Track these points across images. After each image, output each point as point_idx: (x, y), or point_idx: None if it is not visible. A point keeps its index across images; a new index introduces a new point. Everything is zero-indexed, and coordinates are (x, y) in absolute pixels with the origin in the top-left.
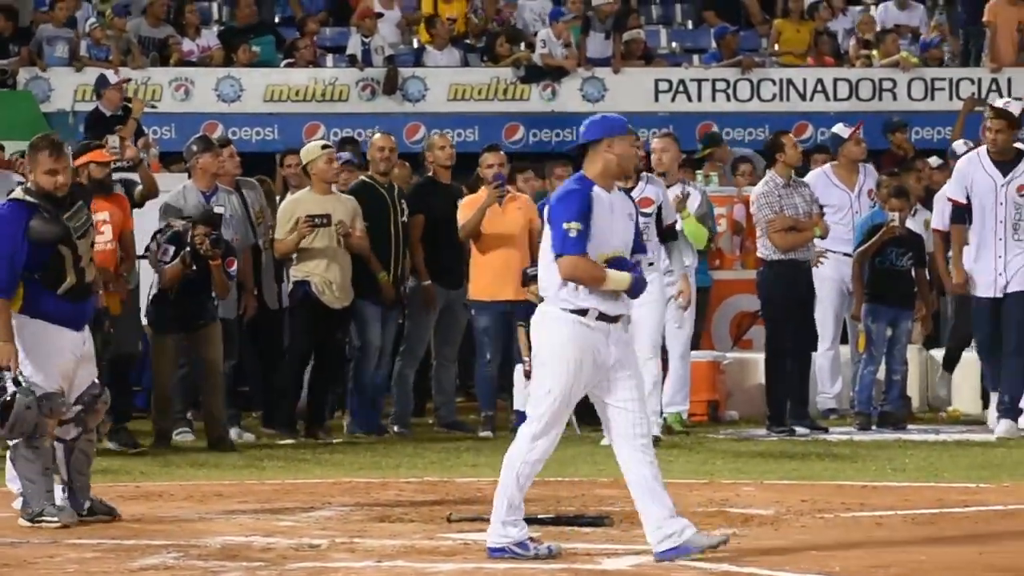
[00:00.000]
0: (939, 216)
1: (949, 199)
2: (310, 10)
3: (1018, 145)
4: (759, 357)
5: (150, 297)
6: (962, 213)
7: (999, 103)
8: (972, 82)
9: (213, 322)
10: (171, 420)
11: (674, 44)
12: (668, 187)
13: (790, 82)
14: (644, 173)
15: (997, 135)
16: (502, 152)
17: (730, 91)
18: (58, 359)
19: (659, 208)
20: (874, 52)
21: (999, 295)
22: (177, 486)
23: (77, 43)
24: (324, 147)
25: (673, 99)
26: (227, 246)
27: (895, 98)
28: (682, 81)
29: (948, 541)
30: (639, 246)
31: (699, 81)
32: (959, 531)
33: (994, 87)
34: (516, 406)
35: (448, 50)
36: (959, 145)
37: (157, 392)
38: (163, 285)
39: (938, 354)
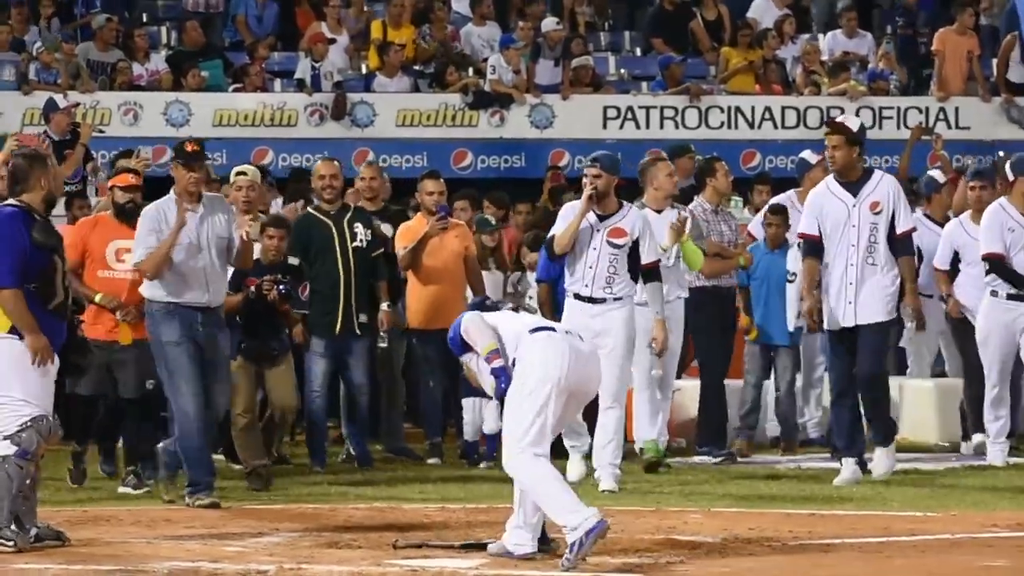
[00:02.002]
0: (940, 255)
1: (799, 234)
2: (259, 35)
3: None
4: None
5: None
6: (815, 247)
7: (840, 118)
8: (920, 111)
9: (284, 357)
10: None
11: (623, 71)
12: (659, 212)
13: (738, 110)
14: (627, 203)
15: (835, 152)
16: (442, 180)
17: (678, 118)
18: (47, 379)
19: (636, 243)
20: (823, 80)
21: (849, 325)
22: (125, 511)
23: (26, 66)
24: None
25: (621, 126)
26: (295, 299)
27: None
28: (630, 108)
29: (895, 570)
30: None
31: (647, 108)
32: (906, 559)
33: (942, 116)
34: (467, 436)
35: (398, 76)
36: (937, 173)
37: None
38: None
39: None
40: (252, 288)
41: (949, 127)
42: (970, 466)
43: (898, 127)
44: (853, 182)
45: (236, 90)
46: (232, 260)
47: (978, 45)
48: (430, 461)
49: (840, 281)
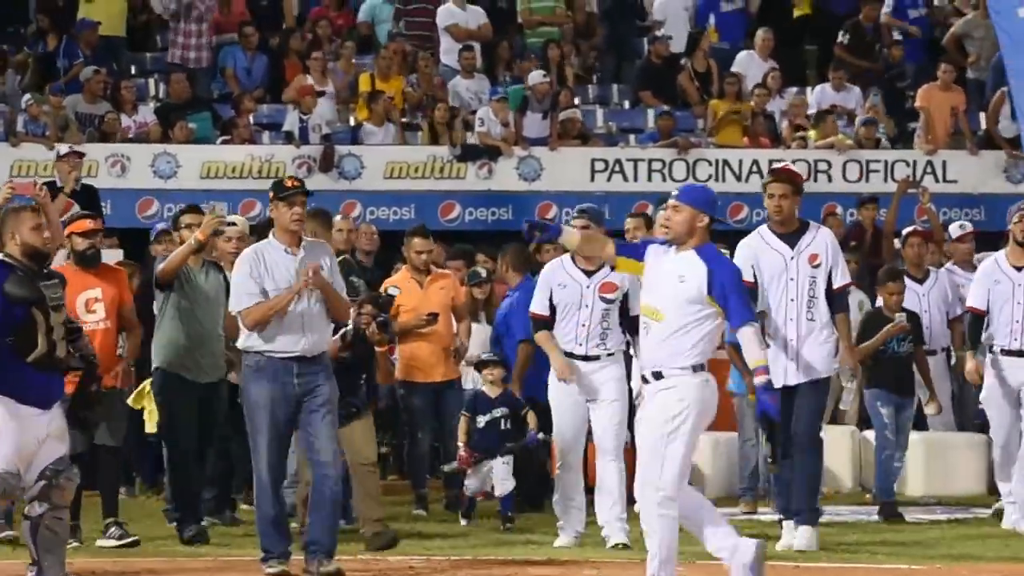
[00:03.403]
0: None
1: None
2: (247, 87)
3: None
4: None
5: None
6: (752, 296)
7: (785, 165)
8: (907, 164)
9: (365, 412)
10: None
11: (611, 124)
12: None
13: (726, 163)
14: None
15: (781, 201)
16: (430, 237)
17: (666, 171)
18: (19, 438)
19: (626, 295)
20: (810, 133)
21: (791, 383)
22: (110, 562)
23: (13, 118)
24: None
25: (609, 179)
26: (392, 332)
27: (830, 180)
28: (618, 161)
29: None
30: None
31: (635, 161)
32: None
33: (929, 169)
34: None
35: (386, 127)
36: (954, 228)
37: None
38: None
39: (871, 434)
40: (349, 326)
41: (936, 180)
42: (955, 519)
43: (885, 180)
44: (790, 233)
45: (224, 142)
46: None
47: (963, 100)
48: (415, 512)
49: (779, 337)
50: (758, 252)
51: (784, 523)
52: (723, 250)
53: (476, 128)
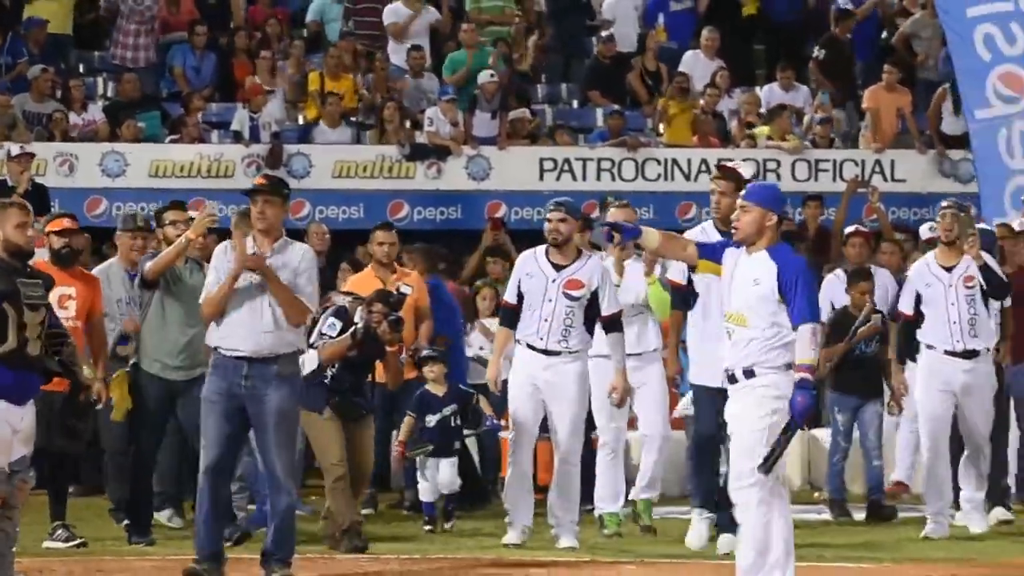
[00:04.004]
0: None
1: (668, 281)
2: (196, 86)
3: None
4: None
5: (303, 377)
6: (685, 297)
7: (733, 164)
8: (856, 163)
9: (370, 413)
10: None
11: (559, 123)
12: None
13: (675, 162)
14: (586, 252)
15: (721, 198)
16: (394, 231)
17: (615, 170)
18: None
19: (594, 294)
20: (764, 130)
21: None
22: (58, 561)
23: None
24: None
25: (558, 178)
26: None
27: (779, 178)
28: (567, 160)
29: None
30: None
31: (584, 160)
32: None
33: (878, 168)
34: (424, 497)
35: (340, 128)
36: (924, 230)
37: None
38: (322, 361)
39: (820, 434)
40: (359, 324)
41: (885, 180)
42: (907, 518)
43: (834, 179)
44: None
45: (173, 141)
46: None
47: (910, 100)
48: (364, 512)
49: (719, 335)
50: (527, 279)
51: (698, 512)
52: None
53: (425, 128)
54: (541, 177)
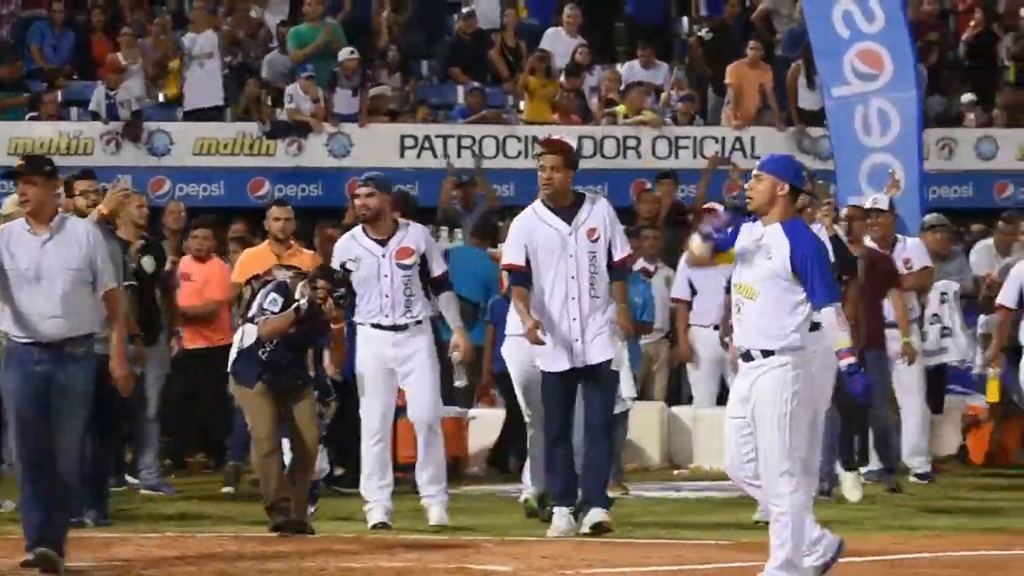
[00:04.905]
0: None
1: (505, 265)
2: (54, 63)
3: (580, 189)
4: (503, 414)
5: (237, 351)
6: (521, 278)
7: (557, 136)
8: (716, 140)
9: (308, 385)
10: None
11: (421, 100)
12: None
13: (535, 139)
14: (403, 220)
15: (553, 173)
16: (289, 207)
17: (476, 148)
18: None
19: (423, 258)
20: (619, 108)
21: (577, 366)
22: None
23: None
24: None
25: (419, 155)
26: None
27: (639, 156)
28: (427, 137)
29: None
30: None
31: (444, 137)
32: None
33: (738, 145)
34: None
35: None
36: (882, 198)
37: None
38: (262, 336)
39: (680, 411)
40: (303, 300)
41: (745, 156)
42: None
43: (694, 156)
44: (565, 208)
45: (32, 119)
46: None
47: (771, 77)
48: (224, 490)
49: (561, 317)
50: (533, 229)
51: (557, 509)
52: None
53: (286, 104)
54: (402, 154)
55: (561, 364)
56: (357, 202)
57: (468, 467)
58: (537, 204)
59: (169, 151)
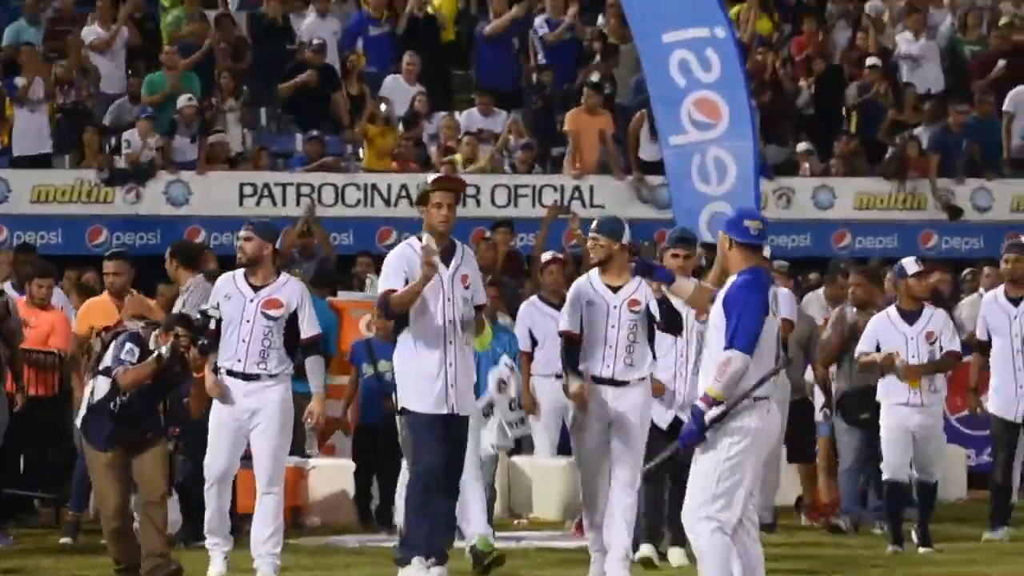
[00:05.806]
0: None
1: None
2: None
3: None
4: (344, 463)
5: (88, 406)
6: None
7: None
8: (555, 189)
9: (161, 437)
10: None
11: (259, 147)
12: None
13: (375, 187)
14: (285, 273)
15: (449, 212)
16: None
17: (315, 196)
18: None
19: (294, 315)
20: (457, 156)
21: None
22: None
23: None
24: None
25: (258, 203)
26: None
27: (479, 204)
28: (267, 185)
29: None
30: None
31: (284, 185)
32: None
33: (577, 194)
34: None
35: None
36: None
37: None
38: (123, 387)
39: (520, 460)
40: (164, 347)
41: (584, 206)
42: None
43: (533, 205)
44: (444, 251)
45: None
46: None
47: (611, 123)
48: (62, 541)
49: (438, 361)
50: (411, 265)
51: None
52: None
53: (123, 150)
54: (241, 202)
55: (441, 408)
56: (237, 244)
57: (308, 516)
58: (413, 240)
59: (6, 198)
